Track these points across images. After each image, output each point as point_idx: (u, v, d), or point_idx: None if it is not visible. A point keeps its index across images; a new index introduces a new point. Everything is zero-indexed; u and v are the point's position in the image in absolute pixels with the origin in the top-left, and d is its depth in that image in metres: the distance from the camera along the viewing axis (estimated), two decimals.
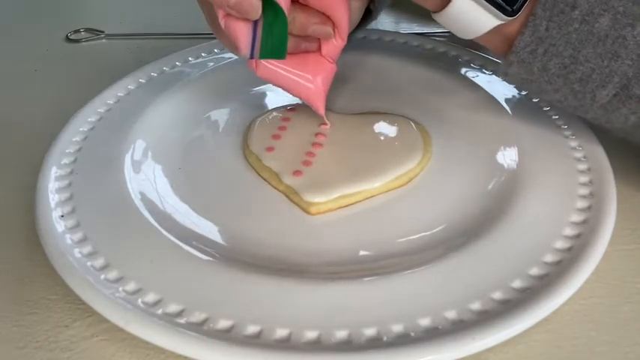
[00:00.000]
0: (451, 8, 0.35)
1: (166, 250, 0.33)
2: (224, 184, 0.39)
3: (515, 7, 0.34)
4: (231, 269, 0.32)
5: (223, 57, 0.50)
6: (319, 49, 0.39)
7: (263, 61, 0.38)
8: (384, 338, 0.28)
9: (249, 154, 0.41)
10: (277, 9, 0.34)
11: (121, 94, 0.45)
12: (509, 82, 0.39)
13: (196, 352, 0.28)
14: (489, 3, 0.34)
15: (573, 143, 0.39)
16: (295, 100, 0.46)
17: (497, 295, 0.30)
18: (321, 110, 0.41)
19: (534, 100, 0.43)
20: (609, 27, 0.32)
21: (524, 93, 0.44)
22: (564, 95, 0.35)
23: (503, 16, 0.34)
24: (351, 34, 0.40)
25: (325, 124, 0.42)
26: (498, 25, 0.35)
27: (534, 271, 0.31)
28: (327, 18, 0.38)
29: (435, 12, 0.36)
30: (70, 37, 0.60)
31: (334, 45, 0.39)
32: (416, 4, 0.37)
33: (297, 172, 0.38)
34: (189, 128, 0.44)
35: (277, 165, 0.39)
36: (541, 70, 0.35)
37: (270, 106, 0.46)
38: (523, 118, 0.42)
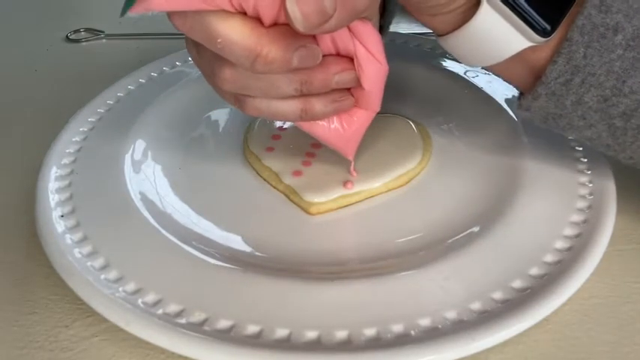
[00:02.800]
0: (471, 26, 0.29)
1: (166, 250, 0.33)
2: (224, 184, 0.39)
3: (549, 27, 0.29)
4: (231, 269, 0.32)
5: None
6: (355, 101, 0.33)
7: None
8: (384, 338, 0.28)
9: (249, 154, 0.41)
10: None
11: (121, 94, 0.45)
12: (530, 119, 0.33)
13: (196, 352, 0.28)
14: (520, 18, 0.28)
15: (573, 143, 0.39)
16: None
17: (497, 295, 0.30)
18: (351, 155, 0.36)
19: None
20: None
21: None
22: (598, 132, 0.31)
23: (536, 36, 0.29)
24: None
25: (352, 171, 0.38)
26: (522, 52, 0.30)
27: (534, 271, 0.31)
28: (348, 60, 0.31)
29: (444, 34, 0.31)
30: (70, 37, 0.60)
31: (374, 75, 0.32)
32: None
33: (297, 172, 0.38)
34: (189, 128, 0.44)
35: (277, 165, 0.39)
36: (575, 104, 0.30)
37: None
38: (523, 118, 0.42)
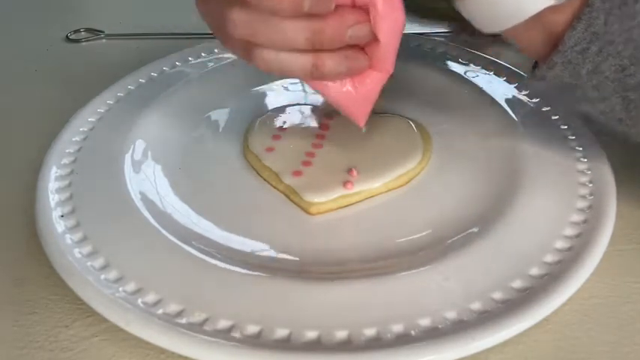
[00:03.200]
0: None
1: (166, 250, 0.33)
2: (224, 184, 0.39)
3: None
4: (231, 269, 0.32)
5: (223, 57, 0.50)
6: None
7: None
8: (384, 338, 0.28)
9: (249, 154, 0.41)
10: None
11: (121, 94, 0.45)
12: (543, 89, 0.33)
13: (196, 352, 0.28)
14: None
15: (573, 143, 0.39)
16: (293, 101, 0.46)
17: (497, 295, 0.30)
18: (362, 121, 0.35)
19: (534, 101, 0.43)
20: None
21: (524, 93, 0.44)
22: (612, 105, 0.31)
23: None
24: None
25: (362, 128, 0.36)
26: (541, 14, 0.29)
27: (534, 271, 0.31)
28: (364, 13, 0.29)
29: None
30: (70, 37, 0.59)
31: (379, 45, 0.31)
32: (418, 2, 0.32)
33: (297, 172, 0.38)
34: (189, 128, 0.44)
35: (277, 165, 0.39)
36: (591, 73, 0.29)
37: (270, 106, 0.46)
38: (523, 118, 0.42)
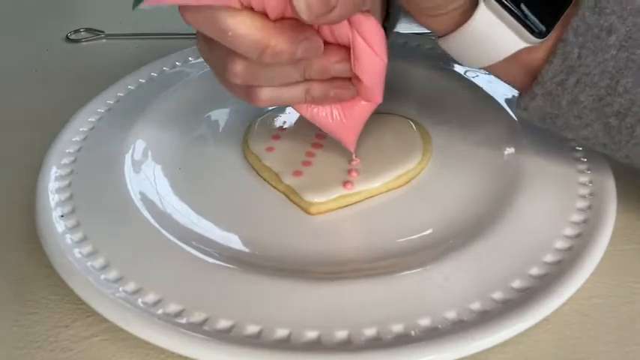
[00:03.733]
0: (469, 26, 0.30)
1: (166, 250, 0.33)
2: (224, 184, 0.39)
3: (543, 29, 0.29)
4: (232, 269, 0.32)
5: None
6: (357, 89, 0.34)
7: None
8: (384, 338, 0.28)
9: (249, 154, 0.41)
10: None
11: (121, 94, 0.45)
12: (528, 119, 0.33)
13: (196, 352, 0.28)
14: (516, 19, 0.29)
15: (573, 143, 0.39)
16: None
17: (497, 295, 0.30)
18: (352, 146, 0.37)
19: None
20: None
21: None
22: (595, 132, 0.32)
23: (531, 37, 0.30)
24: None
25: (354, 159, 0.39)
26: (518, 53, 0.31)
27: (534, 271, 0.31)
28: (348, 51, 0.32)
29: (444, 35, 0.32)
30: (70, 37, 0.60)
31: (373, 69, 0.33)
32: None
33: (297, 172, 0.38)
34: (189, 128, 0.44)
35: (277, 165, 0.39)
36: (571, 104, 0.31)
37: (270, 106, 0.46)
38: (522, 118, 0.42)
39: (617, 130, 0.31)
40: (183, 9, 0.30)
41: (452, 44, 0.32)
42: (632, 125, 0.31)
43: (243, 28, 0.29)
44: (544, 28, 0.30)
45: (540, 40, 0.30)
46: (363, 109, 0.35)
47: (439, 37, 0.33)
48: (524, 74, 0.32)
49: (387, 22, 0.39)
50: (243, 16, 0.29)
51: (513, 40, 0.30)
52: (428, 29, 0.33)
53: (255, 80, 0.32)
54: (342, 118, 0.35)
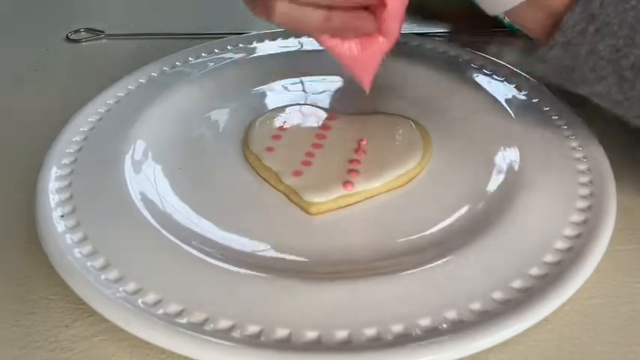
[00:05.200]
0: None
1: (166, 250, 0.33)
2: (224, 184, 0.39)
3: None
4: (231, 269, 0.32)
5: (223, 57, 0.50)
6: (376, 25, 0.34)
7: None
8: (384, 338, 0.28)
9: (249, 154, 0.41)
10: None
11: (121, 94, 0.45)
12: (544, 74, 0.34)
13: (196, 352, 0.28)
14: None
15: (573, 143, 0.39)
16: (293, 101, 0.46)
17: (497, 295, 0.30)
18: (367, 83, 0.37)
19: (534, 101, 0.43)
20: None
21: (524, 93, 0.44)
22: (609, 86, 0.32)
23: None
24: None
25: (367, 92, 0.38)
26: None
27: (534, 271, 0.31)
28: None
29: None
30: (70, 37, 0.60)
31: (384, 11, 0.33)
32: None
33: (297, 172, 0.38)
34: (189, 128, 0.44)
35: (277, 165, 0.39)
36: (589, 53, 0.31)
37: (270, 106, 0.46)
38: (523, 118, 0.42)
39: (630, 85, 0.31)
40: None
41: None
42: None
43: None
44: None
45: None
46: (380, 45, 0.35)
47: None
48: (545, 20, 0.32)
49: None
50: None
51: None
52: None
53: None
54: (359, 53, 0.35)
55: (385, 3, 0.33)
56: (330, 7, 0.33)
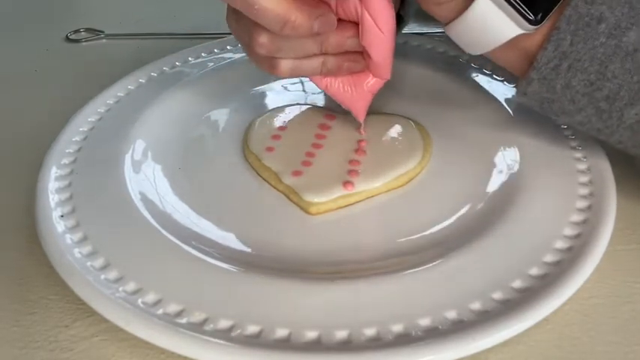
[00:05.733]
0: (470, 13, 0.32)
1: (166, 250, 0.33)
2: (224, 184, 0.39)
3: (539, 17, 0.32)
4: (232, 269, 0.32)
5: (223, 57, 0.50)
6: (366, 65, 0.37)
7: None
8: (384, 338, 0.28)
9: (249, 154, 0.41)
10: None
11: (121, 94, 0.45)
12: (527, 104, 0.35)
13: (196, 352, 0.28)
14: (513, 8, 0.31)
15: (573, 143, 0.39)
16: (293, 101, 0.46)
17: (497, 295, 0.30)
18: (361, 117, 0.40)
19: None
20: (638, 41, 0.31)
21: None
22: (588, 116, 0.33)
23: (527, 24, 0.32)
24: None
25: (361, 130, 0.41)
26: (516, 39, 0.33)
27: (534, 271, 0.31)
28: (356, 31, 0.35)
29: (448, 22, 0.34)
30: (70, 37, 0.60)
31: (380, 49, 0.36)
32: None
33: (296, 172, 0.38)
34: (189, 128, 0.44)
35: (277, 165, 0.39)
36: (564, 88, 0.33)
37: (270, 106, 0.46)
38: (523, 118, 0.42)
39: (607, 114, 0.33)
40: None
41: (455, 31, 0.34)
42: (620, 109, 0.32)
43: (268, 2, 0.32)
44: (539, 16, 0.32)
45: (535, 27, 0.32)
46: (372, 84, 0.38)
47: (445, 24, 0.35)
48: (522, 59, 0.34)
49: (403, 9, 0.43)
50: None
51: (511, 27, 0.32)
52: (434, 17, 0.35)
53: (278, 52, 0.36)
54: (352, 92, 0.39)
55: (370, 56, 0.36)
56: (325, 54, 0.37)
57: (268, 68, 0.37)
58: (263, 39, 0.35)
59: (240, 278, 0.32)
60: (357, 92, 0.39)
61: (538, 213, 0.35)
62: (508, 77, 0.46)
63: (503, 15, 0.32)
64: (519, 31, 0.32)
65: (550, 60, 0.32)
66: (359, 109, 0.40)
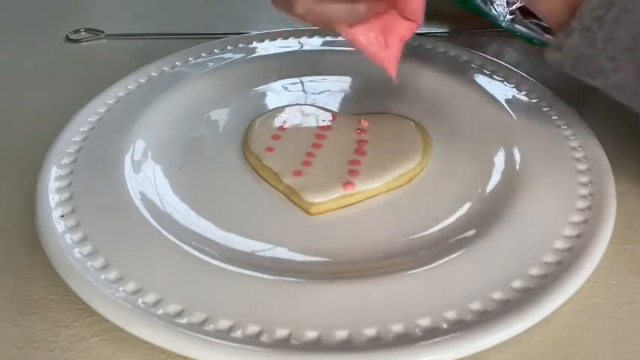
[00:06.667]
0: None
1: (166, 250, 0.33)
2: (224, 184, 0.39)
3: None
4: (231, 269, 0.32)
5: (223, 57, 0.50)
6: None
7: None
8: (384, 338, 0.28)
9: (249, 154, 0.41)
10: None
11: (121, 94, 0.45)
12: (560, 62, 0.33)
13: (196, 352, 0.28)
14: None
15: (573, 143, 0.39)
16: (293, 101, 0.46)
17: (497, 295, 0.30)
18: (393, 70, 0.37)
19: (534, 101, 0.43)
20: None
21: (524, 93, 0.44)
22: (626, 76, 0.31)
23: None
24: None
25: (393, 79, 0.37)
26: None
27: (534, 271, 0.31)
28: None
29: None
30: (70, 37, 0.60)
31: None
32: None
33: (296, 172, 0.38)
34: (189, 128, 0.44)
35: (277, 165, 0.39)
36: (606, 41, 0.30)
37: (270, 106, 0.46)
38: (523, 118, 0.42)
39: None
40: None
41: None
42: None
43: None
44: None
45: None
46: (404, 29, 0.35)
47: None
48: (563, 7, 0.32)
49: None
50: None
51: None
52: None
53: None
54: (382, 41, 0.35)
55: None
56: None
57: (286, 7, 0.33)
58: None
59: (240, 278, 0.32)
60: (388, 41, 0.35)
61: (538, 213, 0.35)
62: (509, 77, 0.46)
63: None
64: None
65: (595, 8, 0.30)
66: (391, 61, 0.36)
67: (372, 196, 0.38)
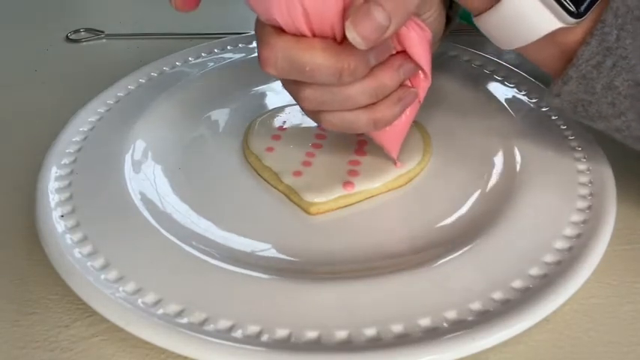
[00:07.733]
0: (505, 4, 0.29)
1: (166, 250, 0.33)
2: (224, 184, 0.39)
3: (582, 9, 0.29)
4: (231, 269, 0.32)
5: (223, 57, 0.50)
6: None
7: None
8: (384, 338, 0.28)
9: (249, 154, 0.41)
10: None
11: (121, 94, 0.45)
12: (559, 107, 0.33)
13: (196, 352, 0.28)
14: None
15: (573, 143, 0.39)
16: (293, 101, 0.46)
17: (497, 295, 0.30)
18: (394, 154, 0.38)
19: (534, 101, 0.43)
20: None
21: (524, 93, 0.44)
22: (628, 121, 0.30)
23: (568, 17, 0.29)
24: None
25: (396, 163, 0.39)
26: (554, 33, 0.30)
27: (534, 271, 0.31)
28: (406, 55, 0.32)
29: (479, 14, 0.32)
30: (70, 37, 0.60)
31: (421, 80, 0.35)
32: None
33: (296, 172, 0.38)
34: (189, 128, 0.44)
35: (277, 165, 0.39)
36: (605, 89, 0.30)
37: (270, 106, 0.46)
38: (523, 118, 0.42)
39: None
40: (263, 65, 0.31)
41: (487, 23, 0.31)
42: None
43: (317, 59, 0.30)
44: (582, 9, 0.29)
45: (577, 20, 0.29)
46: (408, 113, 0.36)
47: (475, 15, 0.32)
48: (559, 57, 0.31)
49: (452, 10, 0.39)
50: (314, 49, 0.30)
51: (550, 20, 0.29)
52: (465, 7, 0.32)
53: (324, 106, 0.33)
54: (390, 128, 0.36)
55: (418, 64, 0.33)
56: (373, 105, 0.33)
57: (315, 119, 0.35)
58: (307, 93, 0.32)
59: (240, 278, 0.32)
60: (391, 128, 0.36)
61: (538, 213, 0.35)
62: (509, 77, 0.46)
63: (542, 6, 0.29)
64: (559, 25, 0.29)
65: (592, 56, 0.29)
66: (395, 145, 0.38)
67: (372, 196, 0.38)
